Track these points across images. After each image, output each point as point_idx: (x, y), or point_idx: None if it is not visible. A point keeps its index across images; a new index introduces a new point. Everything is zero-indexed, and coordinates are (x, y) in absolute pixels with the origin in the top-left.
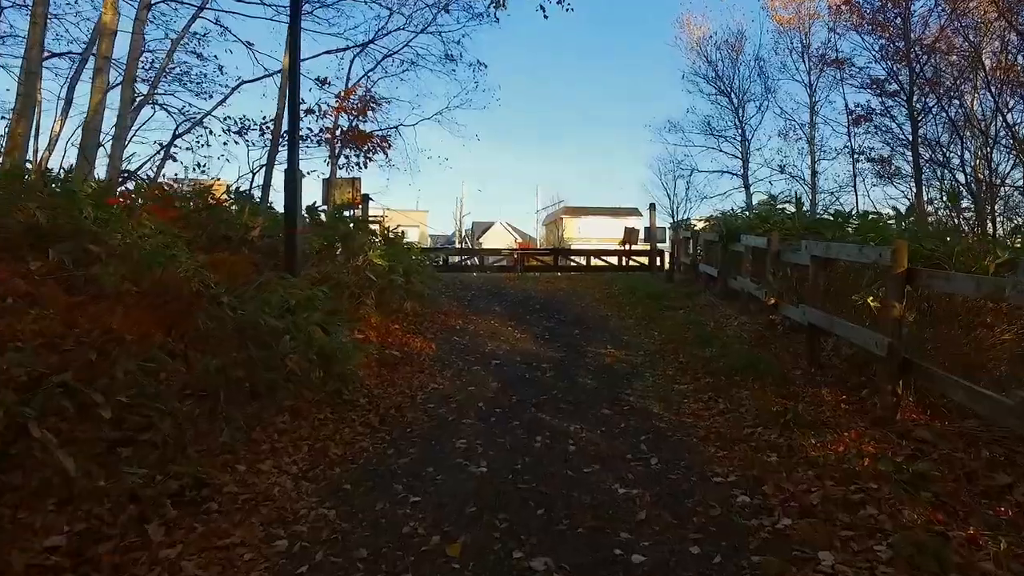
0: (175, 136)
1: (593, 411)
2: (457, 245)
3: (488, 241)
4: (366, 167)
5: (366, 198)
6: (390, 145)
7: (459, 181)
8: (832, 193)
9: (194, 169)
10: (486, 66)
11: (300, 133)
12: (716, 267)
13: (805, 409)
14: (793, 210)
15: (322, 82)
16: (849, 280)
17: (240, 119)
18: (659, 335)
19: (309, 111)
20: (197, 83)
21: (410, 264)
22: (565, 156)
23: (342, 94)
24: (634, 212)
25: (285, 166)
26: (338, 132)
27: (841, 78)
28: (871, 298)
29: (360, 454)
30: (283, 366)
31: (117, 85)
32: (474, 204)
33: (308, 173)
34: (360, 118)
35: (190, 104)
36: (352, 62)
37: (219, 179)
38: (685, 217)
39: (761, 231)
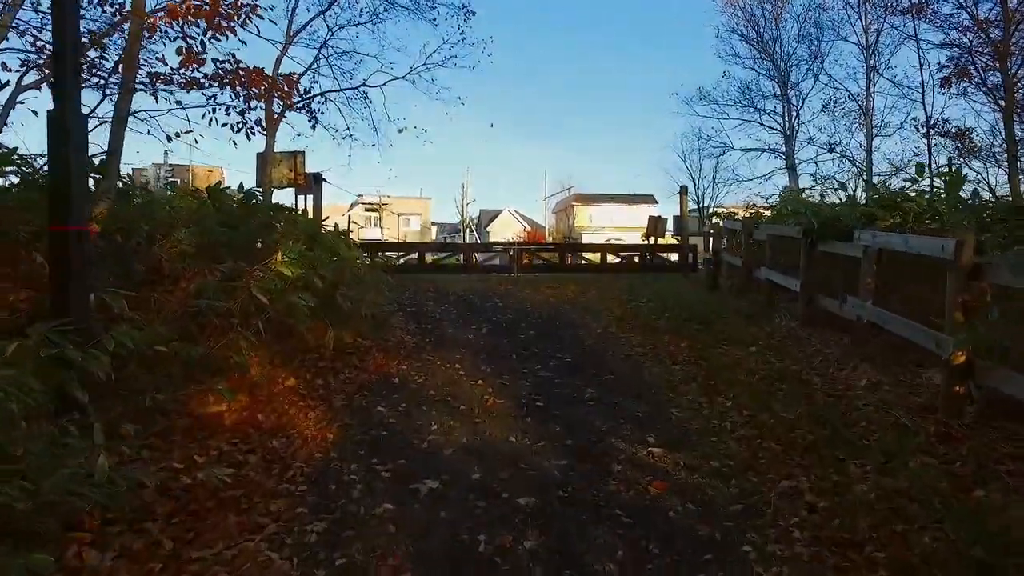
0: None
1: None
2: (462, 235)
3: (495, 229)
4: (253, 133)
5: (317, 178)
6: (307, 99)
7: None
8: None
9: None
10: (474, 13)
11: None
12: (796, 276)
13: None
14: (939, 190)
15: None
16: None
17: None
18: (737, 408)
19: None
20: None
21: (343, 273)
22: (577, 138)
23: None
24: (650, 199)
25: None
26: (199, 60)
27: (915, 32)
28: None
29: None
30: None
31: None
32: (482, 191)
33: (179, 135)
34: (242, 24)
35: None
36: None
37: None
38: (709, 204)
39: (887, 223)
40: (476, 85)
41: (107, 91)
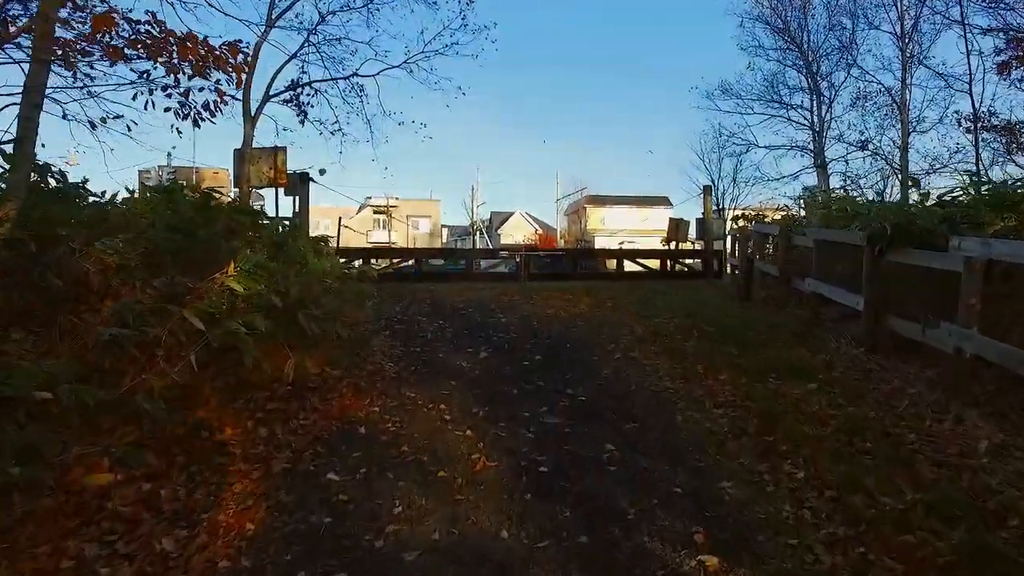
0: None
1: None
2: (472, 238)
3: (506, 232)
4: (202, 120)
5: (303, 177)
6: (294, 89)
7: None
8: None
9: None
10: None
11: None
12: (855, 290)
13: None
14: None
15: None
16: None
17: None
18: (813, 484)
19: None
20: None
21: (310, 287)
22: (589, 138)
23: None
24: (664, 201)
25: None
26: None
27: (962, 16)
28: None
29: None
30: None
31: None
32: (493, 193)
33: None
34: None
35: None
36: None
37: None
38: (729, 205)
39: (997, 228)
40: (486, 84)
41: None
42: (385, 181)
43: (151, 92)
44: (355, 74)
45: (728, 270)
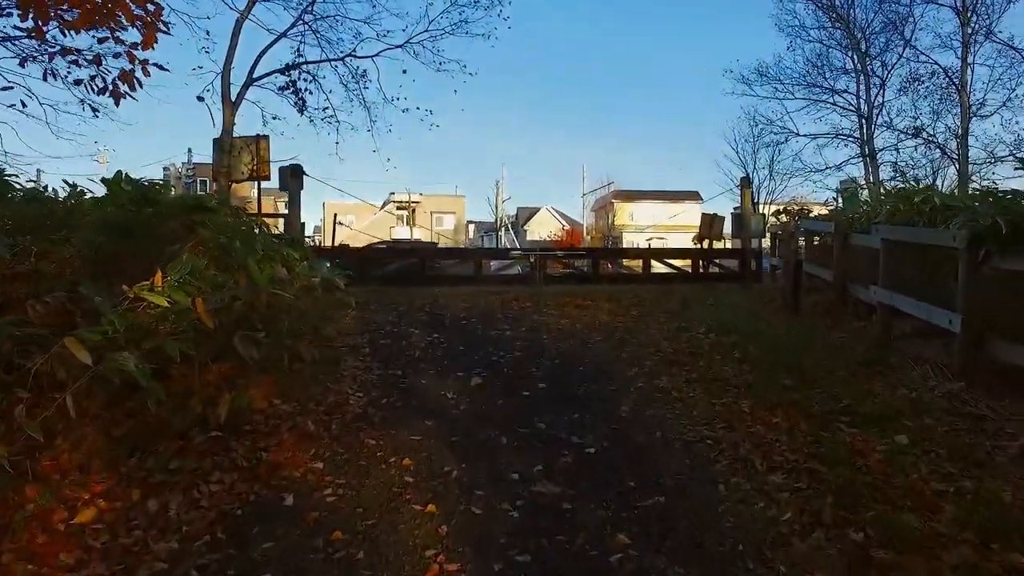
0: None
1: None
2: (497, 234)
3: (533, 228)
4: (123, 95)
5: (295, 171)
6: (287, 73)
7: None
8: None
9: None
10: None
11: None
12: (947, 307)
13: None
14: None
15: None
16: None
17: None
18: None
19: None
20: None
21: (259, 299)
22: (617, 130)
23: None
24: (694, 196)
25: None
26: None
27: None
28: None
29: None
30: None
31: None
32: (521, 188)
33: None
34: None
35: None
36: None
37: None
38: (766, 199)
39: None
40: (512, 77)
41: None
42: (409, 177)
43: (50, 60)
44: (351, 55)
45: (768, 271)
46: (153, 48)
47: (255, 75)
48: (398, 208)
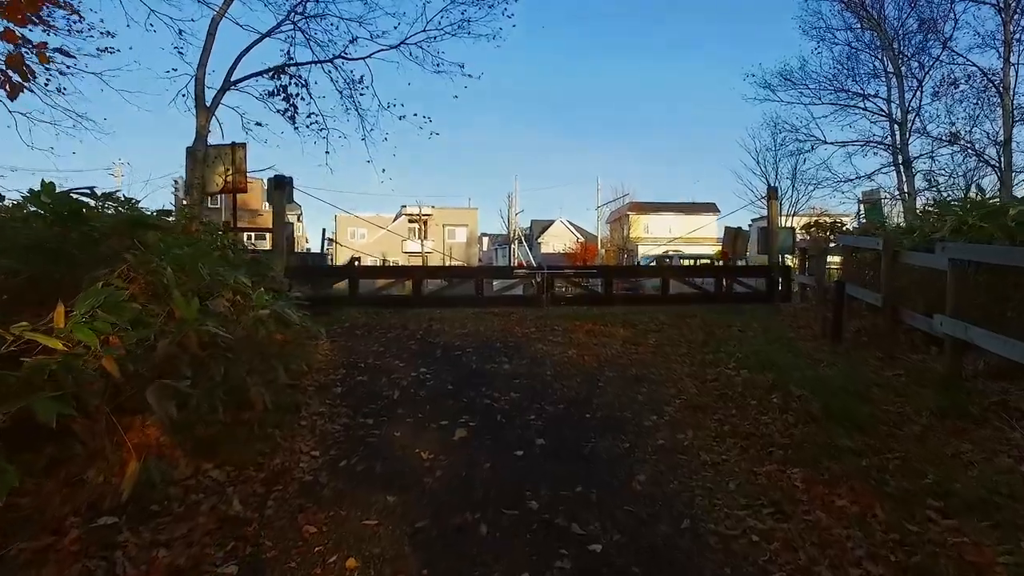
0: None
1: None
2: (510, 247)
3: (547, 240)
4: (14, 90)
5: (279, 183)
6: (275, 76)
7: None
8: None
9: None
10: None
11: None
12: None
13: None
14: None
15: None
16: None
17: None
18: None
19: None
20: None
21: (188, 340)
22: (633, 142)
23: None
24: (711, 208)
25: None
26: None
27: None
28: None
29: None
30: None
31: None
32: (535, 200)
33: None
34: None
35: None
36: None
37: None
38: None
39: None
40: (527, 88)
41: None
42: (423, 189)
43: None
44: (341, 56)
45: (796, 290)
46: (22, 16)
47: (234, 78)
48: (410, 221)
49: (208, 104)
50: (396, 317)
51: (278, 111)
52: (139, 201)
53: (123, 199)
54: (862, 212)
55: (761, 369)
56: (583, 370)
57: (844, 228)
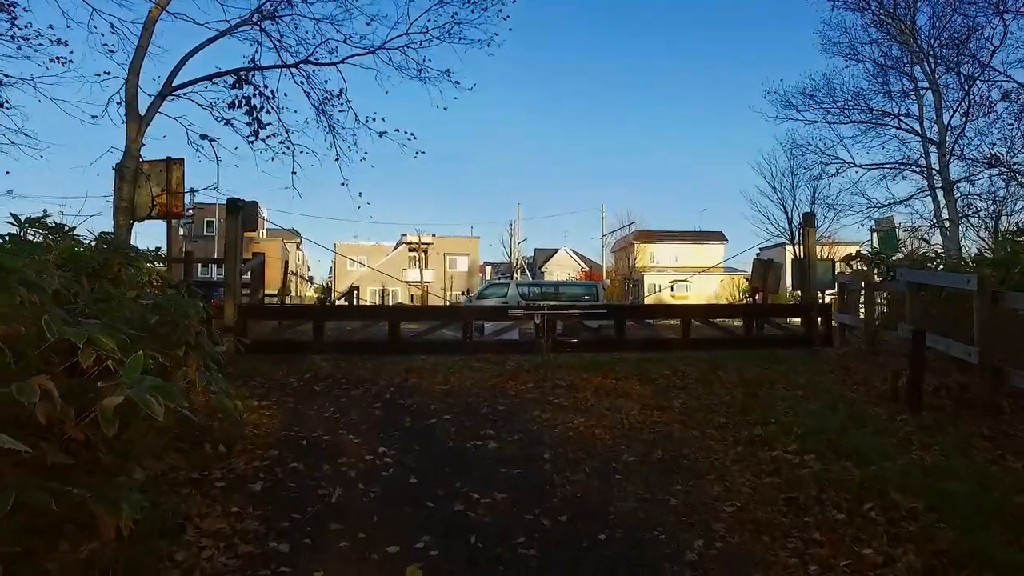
0: None
1: None
2: (512, 276)
3: (551, 270)
4: None
5: (231, 207)
6: (238, 83)
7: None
8: None
9: None
10: None
11: None
12: None
13: None
14: None
15: None
16: None
17: None
18: None
19: None
20: None
21: None
22: (639, 170)
23: None
24: (718, 236)
25: None
26: None
27: None
28: None
29: None
30: None
31: None
32: (539, 229)
33: None
34: None
35: None
36: None
37: None
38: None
39: None
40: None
41: None
42: (420, 218)
43: None
44: (308, 61)
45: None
46: None
47: (176, 83)
48: (410, 250)
49: (143, 113)
50: (367, 367)
51: (226, 121)
52: (73, 228)
53: (54, 225)
54: (874, 240)
55: (835, 455)
56: (593, 451)
57: (892, 259)
